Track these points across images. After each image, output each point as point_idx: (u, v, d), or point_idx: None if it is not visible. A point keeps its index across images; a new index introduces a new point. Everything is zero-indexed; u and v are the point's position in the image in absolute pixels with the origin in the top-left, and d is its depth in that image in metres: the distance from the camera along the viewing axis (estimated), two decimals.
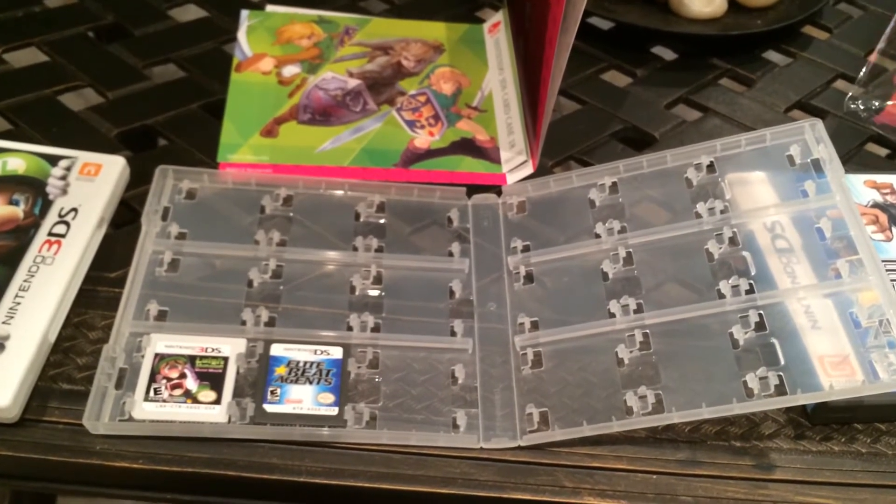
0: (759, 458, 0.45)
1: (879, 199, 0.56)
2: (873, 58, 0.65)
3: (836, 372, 0.45)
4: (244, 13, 0.66)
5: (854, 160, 0.63)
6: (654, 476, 0.44)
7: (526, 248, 0.52)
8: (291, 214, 0.53)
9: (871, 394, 0.42)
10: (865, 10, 0.78)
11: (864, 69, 0.65)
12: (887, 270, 0.48)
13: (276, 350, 0.46)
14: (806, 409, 0.47)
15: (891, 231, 0.54)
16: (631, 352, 0.46)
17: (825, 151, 0.49)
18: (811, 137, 0.50)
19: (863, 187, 0.57)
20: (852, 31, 0.75)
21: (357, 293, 0.49)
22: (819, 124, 0.50)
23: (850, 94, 0.64)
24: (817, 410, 0.46)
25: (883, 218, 0.55)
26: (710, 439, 0.46)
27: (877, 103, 0.63)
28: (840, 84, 0.69)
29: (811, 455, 0.46)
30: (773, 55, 0.72)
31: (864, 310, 0.44)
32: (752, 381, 0.43)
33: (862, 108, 0.63)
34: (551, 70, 0.52)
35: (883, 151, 0.64)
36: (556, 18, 0.51)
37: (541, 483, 0.43)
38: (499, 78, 0.64)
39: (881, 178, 0.58)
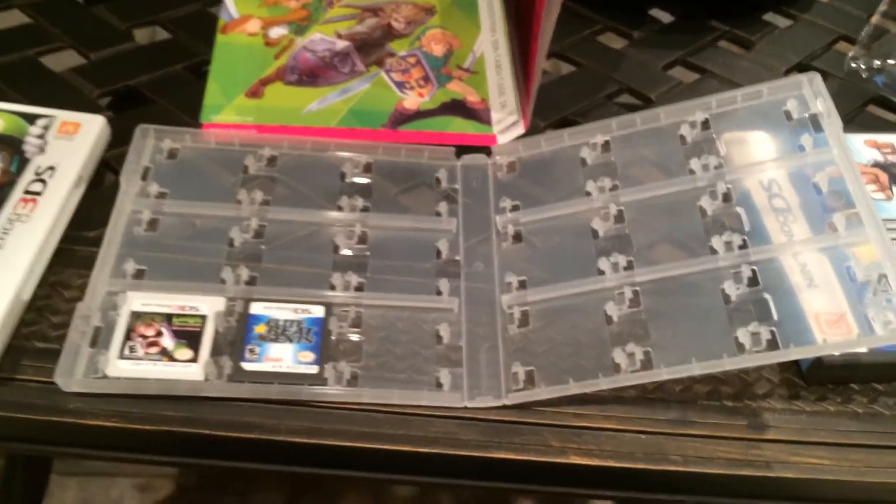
0: (752, 417, 0.44)
1: (880, 158, 0.55)
2: (874, 19, 0.63)
3: (832, 330, 0.43)
4: None
5: (856, 121, 0.61)
6: (644, 436, 0.43)
7: (515, 208, 0.50)
8: (275, 175, 0.51)
9: (866, 348, 0.40)
10: None
11: (864, 30, 0.63)
12: (887, 230, 0.47)
13: (256, 308, 0.45)
14: (801, 369, 0.46)
15: (891, 190, 0.53)
16: (620, 309, 0.44)
17: (823, 105, 0.47)
18: (809, 92, 0.48)
19: (863, 147, 0.55)
20: None
21: (341, 252, 0.48)
22: (817, 78, 0.48)
23: (851, 53, 0.62)
24: (812, 369, 0.45)
25: (883, 177, 0.54)
26: (701, 399, 0.45)
27: (878, 62, 0.61)
28: (842, 46, 0.68)
29: (805, 415, 0.45)
30: (773, 17, 0.70)
31: (861, 265, 0.43)
32: (743, 336, 0.41)
33: (863, 67, 0.62)
34: (541, 26, 0.51)
35: (884, 113, 0.62)
36: None
37: (526, 442, 0.42)
38: (491, 39, 0.63)
39: (882, 138, 0.56)
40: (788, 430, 0.44)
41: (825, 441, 0.44)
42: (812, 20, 0.70)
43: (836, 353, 0.44)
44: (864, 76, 0.62)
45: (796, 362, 0.46)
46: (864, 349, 0.44)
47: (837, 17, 0.70)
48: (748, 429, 0.44)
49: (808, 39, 0.68)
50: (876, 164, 0.54)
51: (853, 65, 0.62)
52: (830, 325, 0.44)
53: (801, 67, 0.65)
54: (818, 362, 0.45)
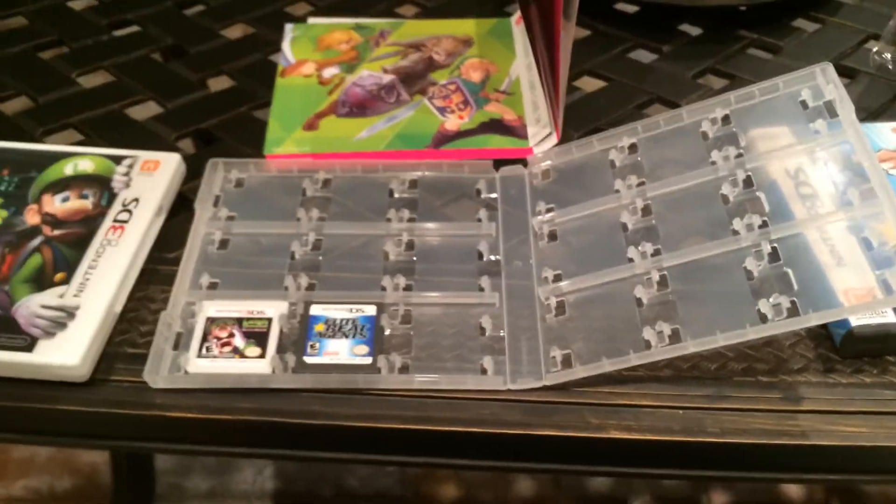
0: (787, 391, 0.46)
1: None
2: None
3: (861, 303, 0.45)
4: (288, 26, 0.72)
5: (888, 112, 0.63)
6: (681, 411, 0.45)
7: (550, 210, 0.54)
8: (330, 195, 0.57)
9: (884, 307, 0.42)
10: None
11: (890, 23, 0.65)
12: None
13: (315, 310, 0.49)
14: (835, 344, 0.48)
15: None
16: (649, 292, 0.47)
17: (836, 92, 0.49)
18: (822, 81, 0.51)
19: (890, 133, 0.57)
20: None
21: (390, 259, 0.53)
22: (829, 67, 0.51)
23: (877, 48, 0.64)
24: (845, 343, 0.47)
25: None
26: (736, 375, 0.47)
27: None
28: (872, 44, 0.69)
29: (841, 387, 0.46)
30: (801, 22, 0.72)
31: (876, 233, 0.45)
32: (765, 307, 0.44)
33: (889, 59, 0.63)
34: (560, 42, 0.55)
35: None
36: (558, 4, 0.53)
37: (566, 420, 0.45)
38: (525, 62, 0.67)
39: None
40: (824, 402, 0.45)
41: (862, 410, 0.45)
42: (840, 22, 0.72)
43: (870, 325, 0.46)
44: (891, 68, 0.63)
45: (830, 339, 0.48)
46: (894, 319, 0.46)
47: (865, 17, 0.72)
48: (784, 401, 0.46)
49: (837, 40, 0.70)
50: None
51: (877, 58, 0.64)
52: (859, 298, 0.45)
53: None
54: (850, 335, 0.46)
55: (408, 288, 0.51)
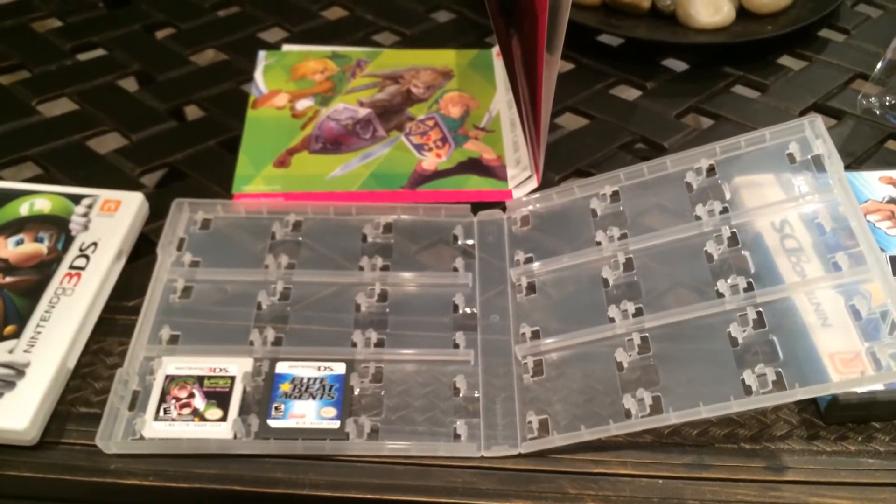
0: (771, 459, 0.44)
1: (895, 194, 0.55)
2: (888, 54, 0.64)
3: (847, 369, 0.44)
4: (261, 54, 0.69)
5: (874, 158, 0.61)
6: (661, 480, 0.44)
7: (529, 260, 0.52)
8: (300, 239, 0.54)
9: (882, 385, 0.41)
10: (885, 10, 0.77)
11: (878, 65, 0.63)
12: None
13: (282, 368, 0.47)
14: (819, 409, 0.46)
15: None
16: (630, 356, 0.45)
17: (824, 147, 0.48)
18: (811, 134, 0.49)
19: (878, 183, 0.56)
20: (871, 30, 0.74)
21: (362, 311, 0.50)
22: (818, 120, 0.49)
23: (863, 91, 0.63)
24: (830, 409, 0.45)
25: None
26: (718, 442, 0.45)
27: (890, 99, 0.62)
28: (859, 84, 0.68)
29: (825, 455, 0.45)
30: (787, 60, 0.71)
31: (870, 303, 0.43)
32: (749, 378, 0.42)
33: (876, 104, 0.62)
34: (542, 87, 0.53)
35: None
36: (541, 37, 0.51)
37: (543, 490, 0.43)
38: (506, 98, 0.65)
39: None
40: (808, 471, 0.44)
41: (846, 481, 0.44)
42: (827, 60, 0.70)
43: (855, 392, 0.44)
44: (877, 113, 0.62)
45: (815, 403, 0.46)
46: (880, 387, 0.44)
47: (853, 56, 0.70)
48: (766, 471, 0.44)
49: (824, 79, 0.68)
50: (891, 201, 0.55)
51: (865, 103, 0.62)
52: (845, 363, 0.44)
53: (817, 107, 0.66)
54: (835, 401, 0.45)
55: (379, 343, 0.48)
